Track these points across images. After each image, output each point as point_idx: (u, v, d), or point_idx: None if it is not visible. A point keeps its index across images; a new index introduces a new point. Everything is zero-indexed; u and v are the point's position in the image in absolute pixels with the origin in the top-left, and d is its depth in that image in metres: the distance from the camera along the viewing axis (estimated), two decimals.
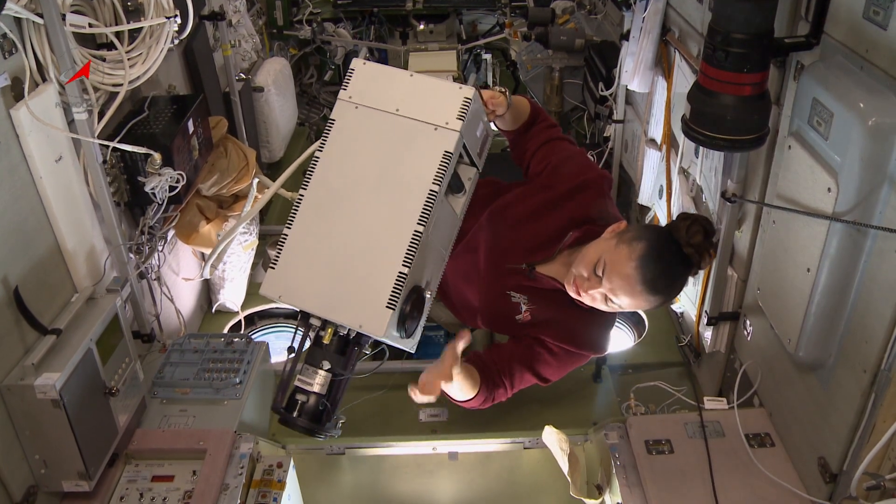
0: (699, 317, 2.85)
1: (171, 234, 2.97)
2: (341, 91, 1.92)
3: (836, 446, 2.02)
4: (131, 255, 2.61)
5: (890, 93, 1.70)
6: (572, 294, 2.16)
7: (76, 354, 2.05)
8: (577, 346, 2.32)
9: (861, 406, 1.89)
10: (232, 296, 3.47)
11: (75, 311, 2.19)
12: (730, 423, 2.38)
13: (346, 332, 1.79)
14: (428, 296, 1.84)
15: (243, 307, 3.52)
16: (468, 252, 2.41)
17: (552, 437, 2.42)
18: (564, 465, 2.38)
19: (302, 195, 1.84)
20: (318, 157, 1.86)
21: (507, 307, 2.35)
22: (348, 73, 1.93)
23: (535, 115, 2.40)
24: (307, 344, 1.85)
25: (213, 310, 3.50)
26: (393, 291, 1.71)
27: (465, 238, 2.41)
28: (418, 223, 1.76)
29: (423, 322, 1.87)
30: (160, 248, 2.82)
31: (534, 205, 2.31)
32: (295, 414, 1.80)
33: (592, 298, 2.11)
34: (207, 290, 3.51)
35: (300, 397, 1.81)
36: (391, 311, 1.70)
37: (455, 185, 1.93)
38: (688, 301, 3.00)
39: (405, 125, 1.85)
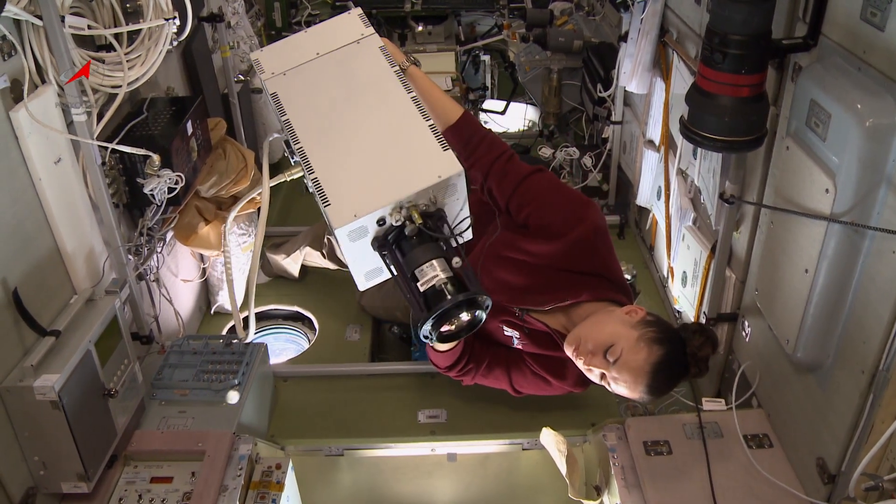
0: (697, 318, 2.85)
1: (169, 235, 2.97)
2: (260, 76, 2.12)
3: (834, 447, 2.02)
4: (130, 257, 2.61)
5: (887, 94, 1.70)
6: (568, 353, 2.16)
7: (75, 356, 2.05)
8: (562, 383, 2.40)
9: (859, 406, 1.90)
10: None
11: (74, 312, 2.19)
12: (728, 424, 2.38)
13: (426, 207, 1.83)
14: None
15: (242, 309, 3.52)
16: None
17: (550, 439, 2.43)
18: (563, 467, 2.39)
19: (300, 145, 1.93)
20: (290, 123, 1.98)
21: (501, 337, 2.40)
22: (255, 66, 2.14)
23: (471, 131, 2.24)
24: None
25: (212, 311, 3.50)
26: (438, 139, 1.88)
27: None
28: (408, 93, 2.00)
29: None
30: (159, 250, 2.82)
31: (527, 259, 2.24)
32: (447, 299, 1.77)
33: (588, 370, 2.13)
34: (206, 292, 3.51)
35: (440, 286, 1.79)
36: (449, 151, 1.86)
37: None
38: (686, 302, 3.00)
39: (334, 57, 2.10)
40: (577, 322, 2.18)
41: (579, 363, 2.12)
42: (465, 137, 2.23)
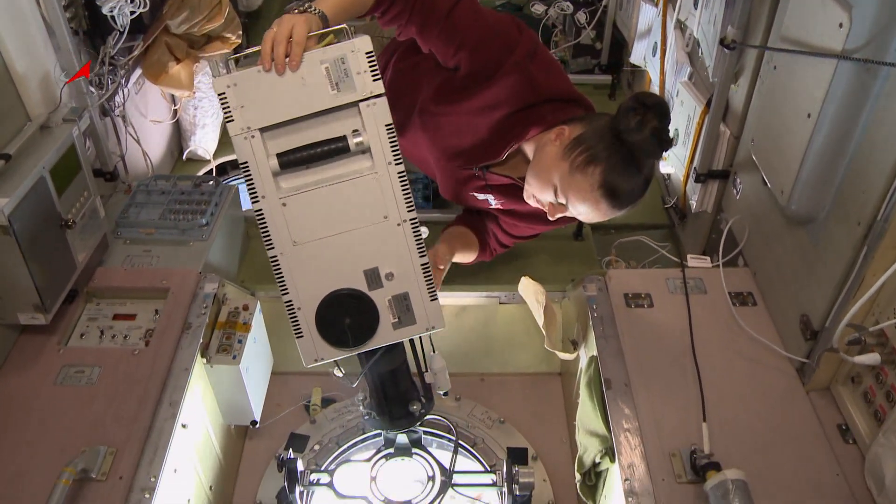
0: (687, 176, 2.75)
1: (138, 73, 2.80)
2: None
3: (820, 303, 1.95)
4: (92, 89, 2.45)
5: None
6: (533, 206, 2.03)
7: (27, 181, 1.91)
8: (554, 224, 2.26)
9: (851, 259, 1.81)
10: (203, 143, 3.32)
11: (27, 137, 2.04)
12: (713, 280, 2.31)
13: None
14: None
15: (215, 156, 3.38)
16: (417, 155, 2.30)
17: (529, 289, 2.34)
18: (539, 318, 2.31)
19: None
20: None
21: (478, 203, 2.29)
22: None
23: None
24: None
25: (185, 157, 3.36)
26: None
27: (407, 134, 2.22)
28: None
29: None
30: (124, 83, 2.66)
31: (466, 114, 2.06)
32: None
33: (559, 216, 1.99)
34: (178, 136, 3.36)
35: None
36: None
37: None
38: (676, 161, 2.89)
39: None
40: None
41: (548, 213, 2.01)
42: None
